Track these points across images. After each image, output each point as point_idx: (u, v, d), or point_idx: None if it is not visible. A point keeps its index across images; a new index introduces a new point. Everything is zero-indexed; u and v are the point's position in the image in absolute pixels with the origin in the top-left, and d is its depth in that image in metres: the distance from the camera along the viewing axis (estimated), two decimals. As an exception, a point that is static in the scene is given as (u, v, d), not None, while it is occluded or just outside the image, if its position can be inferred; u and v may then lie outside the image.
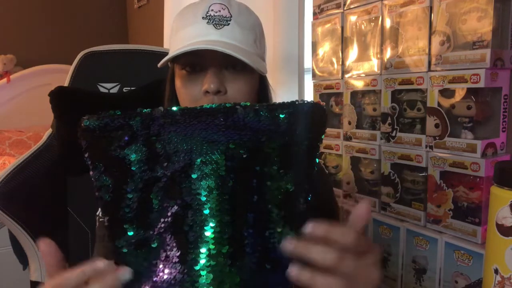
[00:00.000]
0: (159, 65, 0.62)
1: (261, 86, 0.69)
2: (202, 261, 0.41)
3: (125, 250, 0.41)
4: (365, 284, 0.42)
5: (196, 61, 0.61)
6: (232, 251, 0.42)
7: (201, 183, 0.42)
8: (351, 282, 0.40)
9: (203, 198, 0.42)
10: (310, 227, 0.41)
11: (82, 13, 2.84)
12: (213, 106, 0.42)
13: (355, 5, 0.93)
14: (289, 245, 0.41)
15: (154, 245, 0.42)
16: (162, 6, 1.93)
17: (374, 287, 0.43)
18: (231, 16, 0.61)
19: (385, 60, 0.86)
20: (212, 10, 0.61)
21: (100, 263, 0.40)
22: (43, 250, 0.42)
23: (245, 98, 0.62)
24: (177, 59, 0.62)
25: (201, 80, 0.61)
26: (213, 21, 0.60)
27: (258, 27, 0.66)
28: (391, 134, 0.86)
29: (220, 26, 0.60)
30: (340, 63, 0.98)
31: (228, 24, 0.61)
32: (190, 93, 0.62)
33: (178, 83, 0.64)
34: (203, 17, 0.61)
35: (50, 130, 0.88)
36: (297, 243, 0.41)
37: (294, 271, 0.41)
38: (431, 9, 0.77)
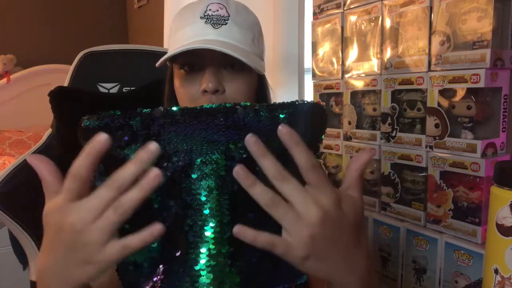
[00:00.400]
0: (157, 64, 0.62)
1: (260, 85, 0.69)
2: (202, 261, 0.41)
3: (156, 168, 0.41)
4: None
5: (194, 60, 0.61)
6: (232, 251, 0.42)
7: (201, 183, 0.42)
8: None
9: (203, 198, 0.42)
10: (282, 129, 0.38)
11: (82, 13, 2.84)
12: (213, 106, 0.42)
13: (355, 5, 0.93)
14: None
15: (154, 245, 0.42)
16: (162, 6, 1.93)
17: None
18: (229, 16, 0.61)
19: (385, 60, 0.86)
20: (210, 9, 0.61)
21: (102, 136, 0.36)
22: (35, 164, 0.39)
23: (244, 97, 0.62)
24: (175, 58, 0.62)
25: (199, 79, 0.61)
26: (211, 20, 0.61)
27: (256, 26, 0.66)
28: (391, 134, 0.86)
29: (218, 26, 0.61)
30: (340, 63, 0.98)
31: (226, 23, 0.61)
32: (189, 92, 0.62)
33: (176, 82, 0.65)
34: (201, 17, 0.61)
35: (50, 130, 0.88)
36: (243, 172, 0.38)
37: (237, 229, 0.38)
38: (431, 9, 0.77)
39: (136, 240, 0.37)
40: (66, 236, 0.37)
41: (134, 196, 0.36)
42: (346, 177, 0.43)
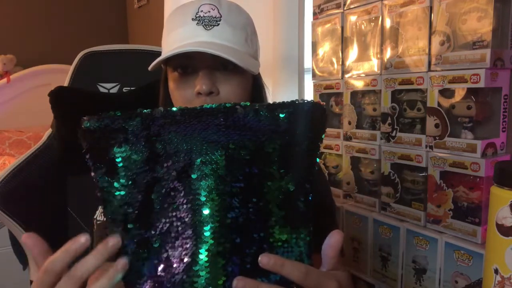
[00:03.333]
0: (150, 67, 0.62)
1: (255, 85, 0.69)
2: (201, 261, 0.41)
3: (127, 250, 0.41)
4: None
5: (187, 63, 0.61)
6: (232, 251, 0.42)
7: (201, 183, 0.42)
8: None
9: (203, 198, 0.42)
10: (263, 259, 0.41)
11: (82, 13, 2.84)
12: (213, 106, 0.42)
13: (355, 5, 0.93)
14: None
15: (156, 245, 0.42)
16: (162, 6, 1.93)
17: None
18: (221, 16, 0.61)
19: (385, 60, 0.86)
20: (202, 11, 0.61)
21: (82, 238, 0.40)
22: (27, 244, 0.42)
23: (238, 98, 0.62)
24: (168, 61, 0.62)
25: (193, 81, 0.61)
26: (202, 22, 0.60)
27: (249, 25, 0.66)
28: (391, 134, 0.86)
29: (210, 27, 0.60)
30: (340, 63, 0.98)
31: (218, 24, 0.61)
32: (183, 94, 0.62)
33: (171, 85, 0.64)
34: (192, 19, 0.61)
35: (50, 130, 0.88)
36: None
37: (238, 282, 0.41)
38: (431, 9, 0.77)
39: (102, 282, 0.39)
40: None
41: (103, 285, 0.39)
42: (324, 262, 0.45)
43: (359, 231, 0.95)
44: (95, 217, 0.71)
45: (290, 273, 0.41)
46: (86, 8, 2.85)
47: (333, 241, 0.44)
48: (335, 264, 0.44)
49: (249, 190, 0.43)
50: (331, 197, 0.82)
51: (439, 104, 0.76)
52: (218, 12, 0.61)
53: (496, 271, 0.54)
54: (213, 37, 0.60)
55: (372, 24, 0.89)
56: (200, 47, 0.57)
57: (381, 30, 0.87)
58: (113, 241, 0.40)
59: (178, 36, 0.61)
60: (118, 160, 0.41)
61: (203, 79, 0.59)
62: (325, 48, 1.02)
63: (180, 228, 0.42)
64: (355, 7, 0.93)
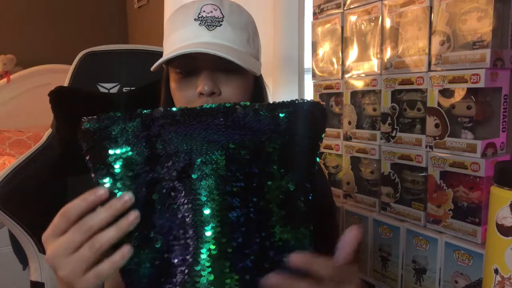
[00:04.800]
0: (152, 68, 0.62)
1: (256, 85, 0.69)
2: (203, 261, 0.41)
3: (136, 210, 0.41)
4: None
5: (189, 63, 0.61)
6: (232, 251, 0.42)
7: (202, 183, 0.42)
8: None
9: (204, 198, 0.42)
10: (293, 258, 0.42)
11: (82, 13, 2.84)
12: (213, 106, 0.42)
13: (355, 5, 0.93)
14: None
15: (157, 245, 0.42)
16: (162, 6, 1.93)
17: None
18: (223, 17, 0.61)
19: (385, 60, 0.86)
20: (204, 11, 0.61)
21: (101, 190, 0.41)
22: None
23: (240, 99, 0.62)
24: (170, 61, 0.62)
25: (195, 82, 0.61)
26: (205, 22, 0.60)
27: (251, 25, 0.66)
28: (391, 134, 0.86)
29: (212, 27, 0.60)
30: (340, 63, 0.98)
31: (220, 25, 0.61)
32: (185, 95, 0.62)
33: (172, 85, 0.64)
34: (195, 19, 0.61)
35: (50, 130, 0.88)
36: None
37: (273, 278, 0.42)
38: (431, 9, 0.77)
39: (107, 266, 0.40)
40: (51, 264, 0.42)
41: (111, 234, 0.40)
42: (340, 256, 0.45)
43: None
44: None
45: (319, 269, 0.42)
46: (86, 8, 2.85)
47: (350, 236, 0.44)
48: (351, 260, 0.44)
49: (249, 190, 0.43)
50: (331, 197, 0.82)
51: (439, 104, 0.76)
52: (221, 13, 0.61)
53: (496, 271, 0.54)
54: (216, 37, 0.60)
55: (372, 24, 0.89)
56: (202, 47, 0.57)
57: (381, 30, 0.87)
58: (127, 196, 0.40)
59: (180, 36, 0.61)
60: (118, 160, 0.41)
61: (205, 80, 0.59)
62: (325, 48, 1.02)
63: (181, 228, 0.42)
64: (355, 7, 0.93)
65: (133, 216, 0.40)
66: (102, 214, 0.40)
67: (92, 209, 0.41)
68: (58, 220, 0.41)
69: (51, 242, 0.41)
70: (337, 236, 0.44)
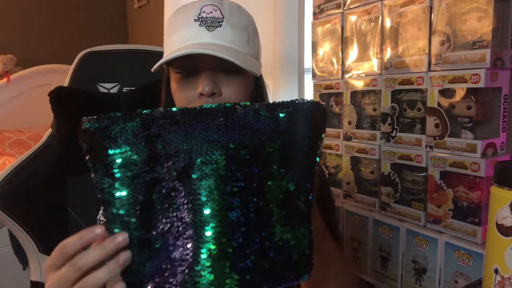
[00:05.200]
0: (153, 69, 0.62)
1: (256, 86, 0.69)
2: (203, 261, 0.41)
3: (128, 251, 0.41)
4: None
5: (190, 64, 0.61)
6: (233, 251, 0.42)
7: (201, 183, 0.42)
8: None
9: (204, 198, 0.42)
10: None
11: (82, 13, 2.84)
12: (213, 106, 0.42)
13: (355, 5, 0.93)
14: None
15: (157, 246, 0.42)
16: (162, 6, 1.93)
17: None
18: (223, 17, 0.61)
19: (385, 60, 0.86)
20: (204, 12, 0.61)
21: (98, 229, 0.41)
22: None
23: (240, 99, 0.62)
24: (171, 62, 0.62)
25: (195, 83, 0.61)
26: (205, 23, 0.60)
27: (251, 25, 0.66)
28: (391, 134, 0.86)
29: (213, 28, 0.60)
30: (340, 63, 0.98)
31: (220, 25, 0.61)
32: (185, 95, 0.62)
33: (173, 86, 0.64)
34: (195, 20, 0.60)
35: (50, 130, 0.88)
36: None
37: None
38: (431, 9, 0.77)
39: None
40: None
41: (100, 276, 0.40)
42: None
43: (359, 231, 0.95)
44: (98, 217, 0.71)
45: None
46: (86, 8, 2.85)
47: None
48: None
49: (249, 190, 0.43)
50: (331, 197, 0.82)
51: (439, 104, 0.76)
52: (221, 13, 0.61)
53: (496, 271, 0.54)
54: (216, 38, 0.60)
55: (372, 24, 0.89)
56: (203, 48, 0.57)
57: (381, 30, 0.87)
58: (121, 237, 0.40)
59: (181, 37, 0.61)
60: (118, 161, 0.41)
61: (206, 81, 0.59)
62: (325, 48, 1.02)
63: (181, 228, 0.42)
64: (355, 7, 0.93)
65: (123, 258, 0.40)
66: (94, 254, 0.40)
67: (87, 246, 0.41)
68: (54, 256, 0.41)
69: (51, 274, 0.42)
70: (334, 223, 0.45)
